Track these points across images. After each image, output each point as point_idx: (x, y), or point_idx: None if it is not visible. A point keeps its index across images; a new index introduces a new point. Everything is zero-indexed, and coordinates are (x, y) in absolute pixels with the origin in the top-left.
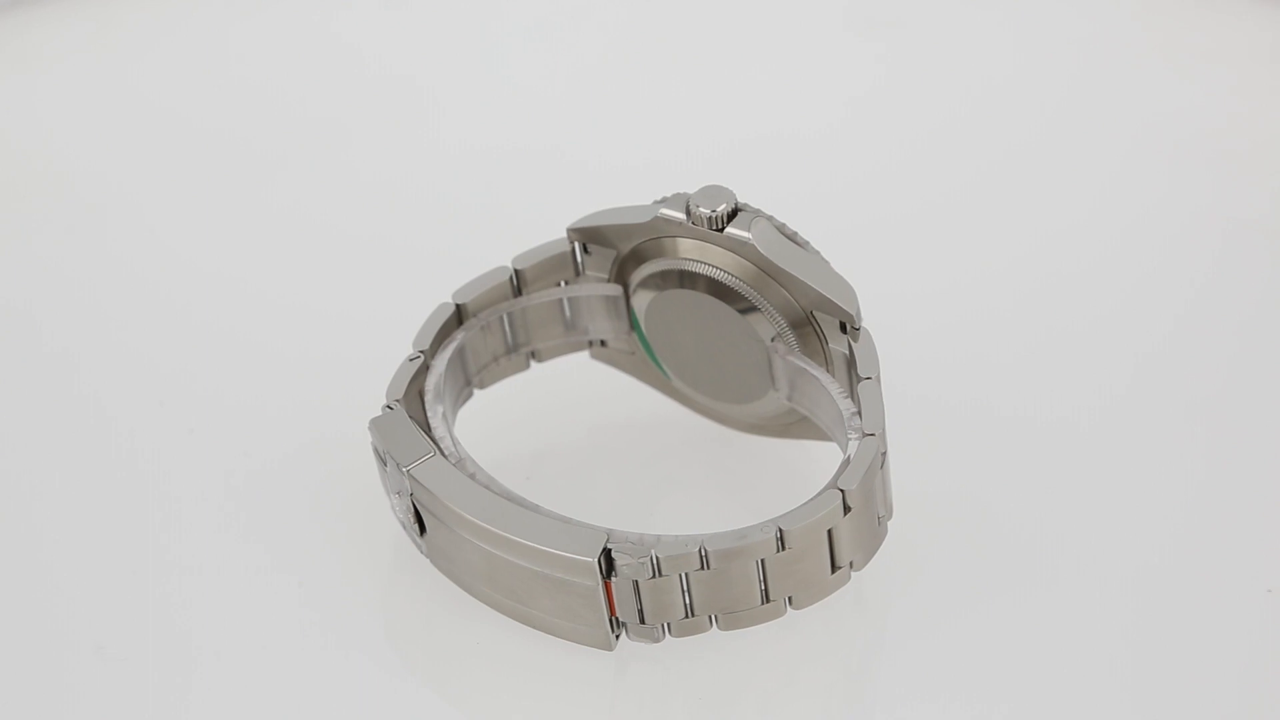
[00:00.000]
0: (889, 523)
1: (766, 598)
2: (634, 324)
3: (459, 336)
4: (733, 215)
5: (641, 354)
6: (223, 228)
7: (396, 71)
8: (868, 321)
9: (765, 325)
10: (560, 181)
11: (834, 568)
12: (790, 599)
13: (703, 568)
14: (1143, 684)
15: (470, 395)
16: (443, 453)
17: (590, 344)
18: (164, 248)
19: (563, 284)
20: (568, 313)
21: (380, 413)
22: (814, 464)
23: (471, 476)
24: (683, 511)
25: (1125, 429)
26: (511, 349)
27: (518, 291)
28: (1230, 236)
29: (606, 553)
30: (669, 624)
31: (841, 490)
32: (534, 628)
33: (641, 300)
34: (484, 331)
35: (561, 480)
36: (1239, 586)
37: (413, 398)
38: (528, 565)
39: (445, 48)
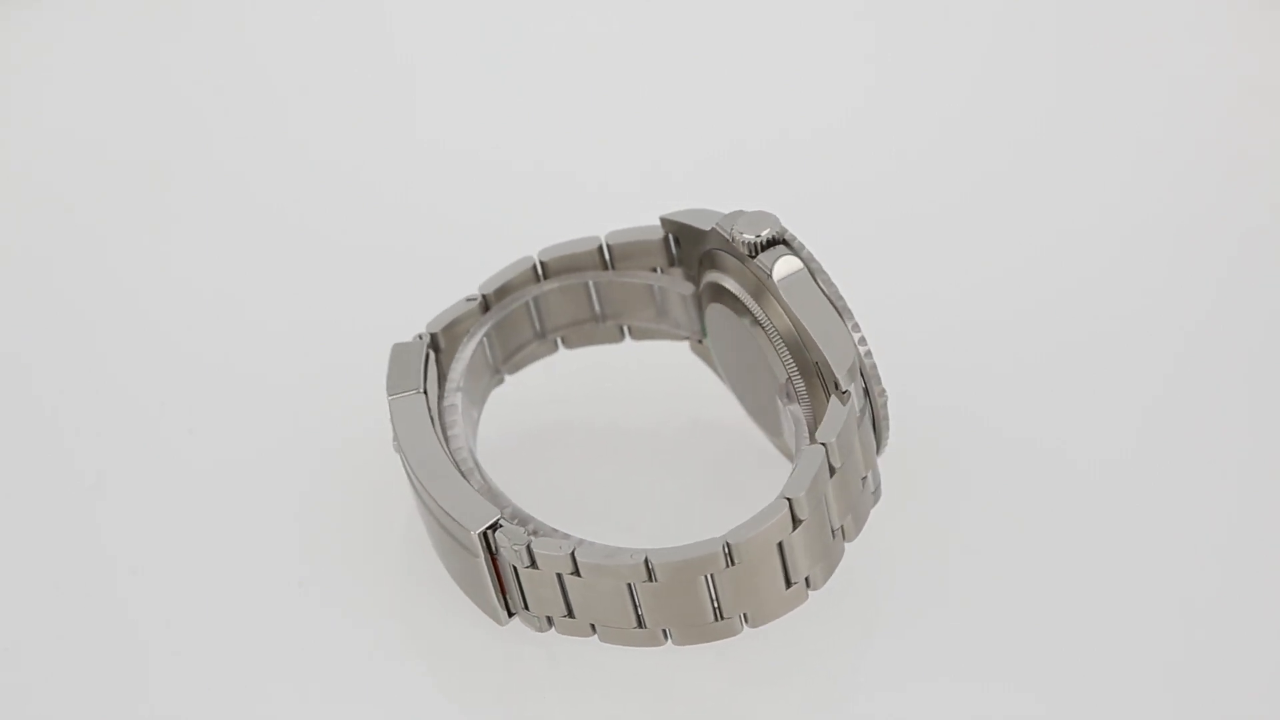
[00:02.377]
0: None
1: (641, 624)
2: (704, 329)
3: (531, 291)
4: (769, 244)
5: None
6: (218, 232)
7: (387, 72)
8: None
9: (779, 364)
10: (578, 190)
11: (717, 616)
12: (668, 633)
13: (575, 573)
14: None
15: (551, 349)
16: (442, 394)
17: (688, 338)
18: (155, 254)
19: (658, 270)
20: (659, 299)
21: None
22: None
23: (446, 427)
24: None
25: (1127, 440)
26: (599, 318)
27: (608, 265)
28: (1244, 241)
29: (496, 527)
30: (552, 618)
31: (727, 543)
32: (455, 582)
33: (705, 307)
34: (564, 294)
35: (623, 462)
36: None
37: (455, 336)
38: (436, 521)
39: (443, 50)
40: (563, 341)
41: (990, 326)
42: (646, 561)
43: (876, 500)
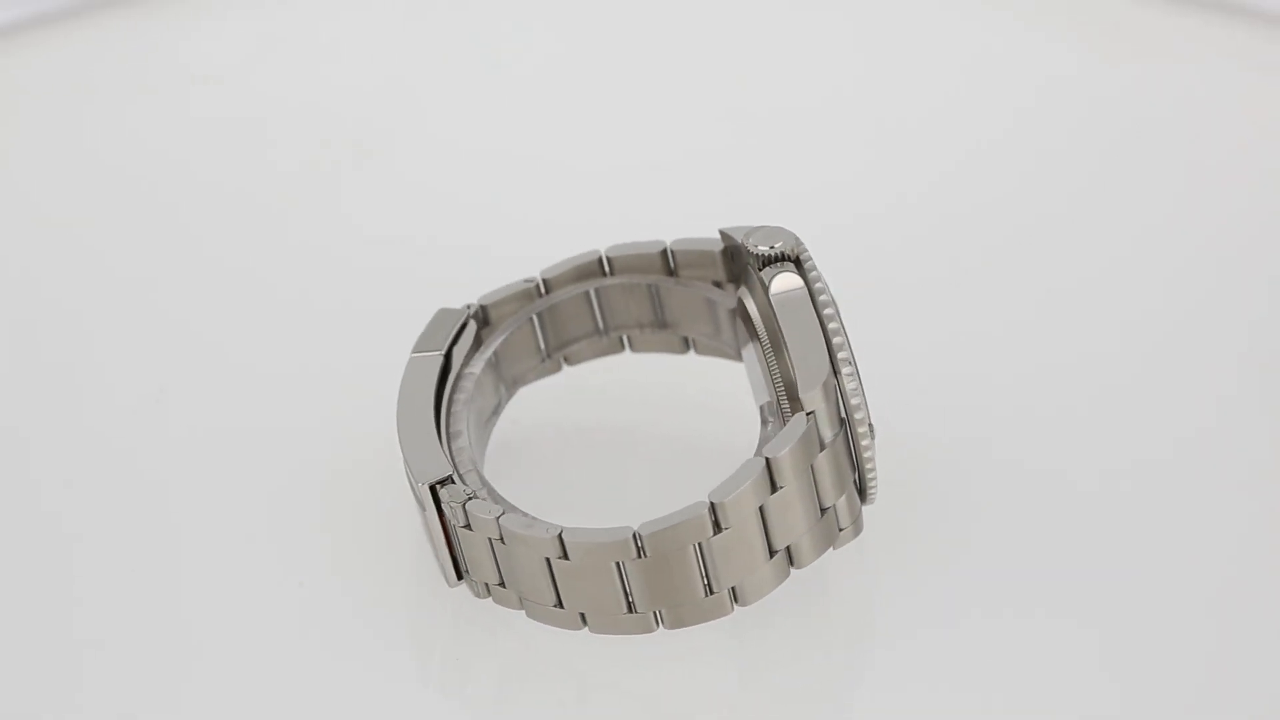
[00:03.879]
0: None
1: (560, 603)
2: (738, 346)
3: (593, 283)
4: (777, 260)
5: None
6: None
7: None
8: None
9: (769, 384)
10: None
11: (630, 608)
12: (584, 616)
13: (501, 540)
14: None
15: (615, 348)
16: (467, 362)
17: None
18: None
19: (720, 284)
20: (714, 314)
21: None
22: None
23: (454, 390)
24: None
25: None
26: (660, 324)
27: (671, 271)
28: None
29: (445, 484)
30: (489, 585)
31: (637, 532)
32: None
33: (736, 322)
34: (626, 291)
35: (655, 468)
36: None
37: (504, 314)
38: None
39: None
40: (628, 343)
41: (1010, 372)
42: (560, 537)
43: (855, 535)
